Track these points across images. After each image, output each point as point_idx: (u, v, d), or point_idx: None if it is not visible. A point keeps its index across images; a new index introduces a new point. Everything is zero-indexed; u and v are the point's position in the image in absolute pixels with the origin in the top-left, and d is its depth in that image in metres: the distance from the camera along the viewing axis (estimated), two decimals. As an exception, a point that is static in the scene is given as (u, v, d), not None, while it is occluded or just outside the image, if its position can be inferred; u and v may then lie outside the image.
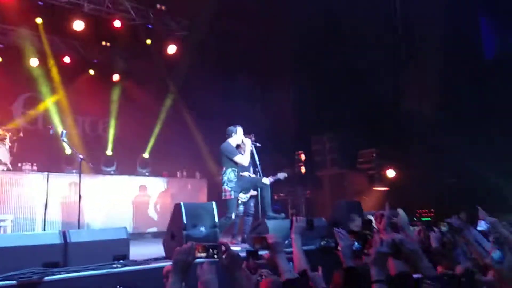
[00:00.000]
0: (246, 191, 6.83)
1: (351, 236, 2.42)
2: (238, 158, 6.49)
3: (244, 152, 6.61)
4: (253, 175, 7.09)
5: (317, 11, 9.24)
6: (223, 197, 6.45)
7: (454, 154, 8.16)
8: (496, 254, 2.36)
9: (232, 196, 6.36)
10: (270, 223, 6.26)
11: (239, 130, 6.73)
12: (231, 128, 6.77)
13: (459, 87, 8.47)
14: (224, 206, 6.38)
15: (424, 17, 8.91)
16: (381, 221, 2.39)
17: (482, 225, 3.30)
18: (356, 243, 2.36)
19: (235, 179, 6.45)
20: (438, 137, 8.66)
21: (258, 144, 6.95)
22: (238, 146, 6.72)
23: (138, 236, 8.85)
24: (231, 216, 6.34)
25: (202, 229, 5.19)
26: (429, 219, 8.08)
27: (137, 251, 5.33)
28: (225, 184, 6.42)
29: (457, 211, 3.68)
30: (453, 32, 8.55)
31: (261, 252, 2.77)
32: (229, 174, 6.45)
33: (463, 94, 8.39)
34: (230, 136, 6.71)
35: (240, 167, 6.95)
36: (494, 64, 8.47)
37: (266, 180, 6.69)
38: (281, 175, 7.48)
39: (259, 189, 6.79)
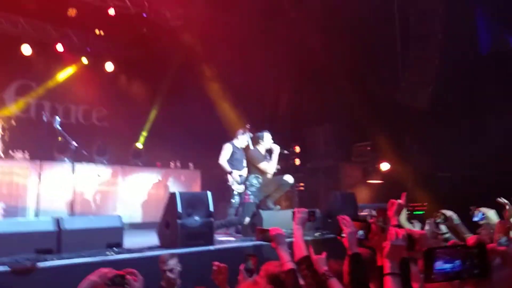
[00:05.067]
0: (268, 191, 6.77)
1: (355, 224, 2.43)
2: (263, 165, 6.56)
3: (271, 159, 6.65)
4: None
5: (315, 6, 9.24)
6: (242, 200, 6.73)
7: (448, 148, 8.20)
8: (502, 239, 2.41)
9: (251, 200, 6.49)
10: (264, 214, 6.28)
11: (267, 135, 6.74)
12: (259, 134, 6.82)
13: (455, 81, 8.50)
14: (242, 208, 6.65)
15: (421, 11, 8.91)
16: (392, 208, 2.40)
17: (478, 216, 3.35)
18: (360, 231, 2.37)
19: (258, 185, 6.54)
20: (432, 131, 8.69)
21: (286, 152, 6.97)
22: (267, 151, 6.79)
23: (130, 226, 8.79)
24: (244, 220, 6.44)
25: (197, 218, 5.16)
26: (422, 212, 8.10)
27: (130, 240, 5.30)
28: (247, 189, 6.58)
29: (450, 206, 3.71)
30: (449, 26, 8.57)
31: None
32: (252, 180, 6.58)
33: (458, 88, 8.43)
34: (257, 142, 6.73)
35: (236, 165, 7.03)
36: (490, 59, 8.50)
37: (290, 178, 6.67)
38: None
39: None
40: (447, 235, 3.43)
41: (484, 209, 3.47)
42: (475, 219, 3.43)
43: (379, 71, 9.11)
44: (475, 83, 8.29)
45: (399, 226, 2.31)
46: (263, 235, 2.76)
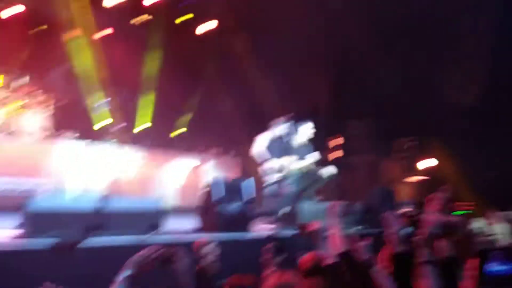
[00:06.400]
0: (308, 182, 6.79)
1: (403, 220, 2.35)
2: (299, 157, 6.61)
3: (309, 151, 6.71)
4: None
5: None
6: (280, 189, 6.71)
7: (495, 146, 7.90)
8: None
9: (290, 190, 6.49)
10: (303, 205, 6.23)
11: (307, 126, 6.86)
12: (299, 124, 6.91)
13: (505, 80, 8.18)
14: (281, 198, 6.62)
15: (472, 9, 8.59)
16: (435, 202, 2.30)
17: None
18: (406, 229, 2.29)
19: (297, 175, 6.55)
20: (480, 129, 8.39)
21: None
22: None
23: (170, 210, 8.93)
24: (282, 210, 6.43)
25: (237, 204, 5.17)
26: (470, 212, 7.82)
27: (169, 224, 5.37)
28: (286, 179, 6.58)
29: (498, 205, 3.58)
30: (501, 24, 8.23)
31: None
32: (291, 170, 6.55)
33: (508, 86, 8.11)
34: (298, 133, 6.83)
35: (274, 153, 7.03)
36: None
37: (330, 170, 6.65)
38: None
39: None
40: (493, 237, 3.32)
41: None
42: None
43: (427, 66, 8.83)
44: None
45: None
46: (304, 230, 2.72)
